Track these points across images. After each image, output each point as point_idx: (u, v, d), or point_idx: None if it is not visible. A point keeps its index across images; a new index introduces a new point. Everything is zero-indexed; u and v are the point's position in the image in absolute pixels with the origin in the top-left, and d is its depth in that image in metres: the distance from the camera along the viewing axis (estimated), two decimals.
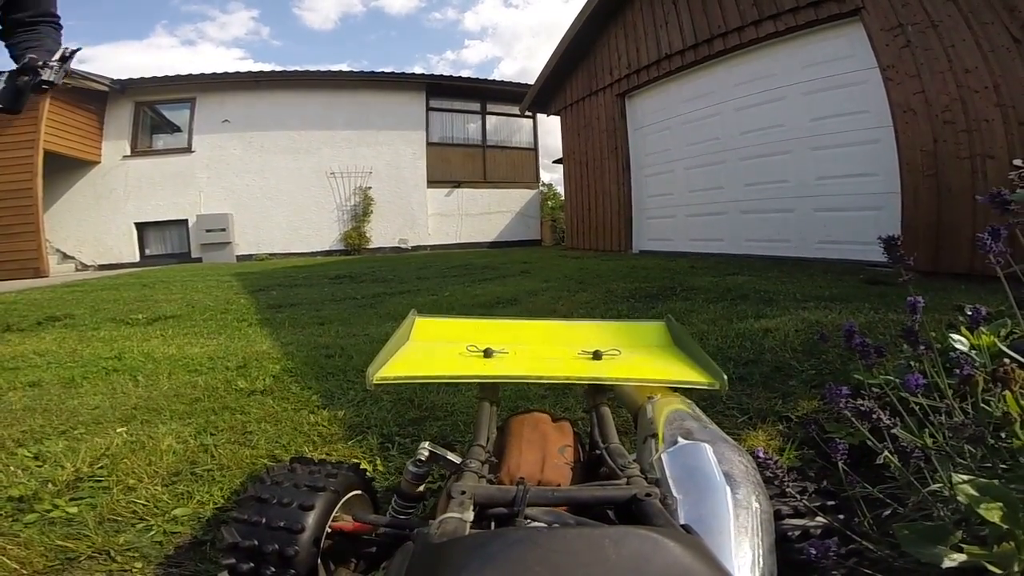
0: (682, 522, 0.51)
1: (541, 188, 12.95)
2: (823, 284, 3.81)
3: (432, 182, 11.50)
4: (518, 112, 10.57)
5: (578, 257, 7.14)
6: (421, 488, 0.83)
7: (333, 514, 0.75)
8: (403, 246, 11.48)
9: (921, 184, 4.32)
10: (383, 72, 11.32)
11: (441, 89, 11.55)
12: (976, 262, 3.94)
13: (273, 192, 10.98)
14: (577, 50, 7.77)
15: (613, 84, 7.25)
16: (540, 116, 11.18)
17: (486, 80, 12.04)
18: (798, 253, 5.34)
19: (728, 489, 0.54)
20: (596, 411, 0.84)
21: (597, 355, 0.90)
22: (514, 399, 1.76)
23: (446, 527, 0.46)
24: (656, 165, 7.06)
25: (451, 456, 0.76)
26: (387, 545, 0.72)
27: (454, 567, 0.34)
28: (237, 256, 10.65)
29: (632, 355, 0.94)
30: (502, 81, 12.21)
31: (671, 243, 6.93)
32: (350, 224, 11.23)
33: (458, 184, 11.77)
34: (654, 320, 1.14)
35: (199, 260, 10.42)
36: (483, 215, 12.03)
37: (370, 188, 11.18)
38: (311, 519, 0.70)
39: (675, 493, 0.56)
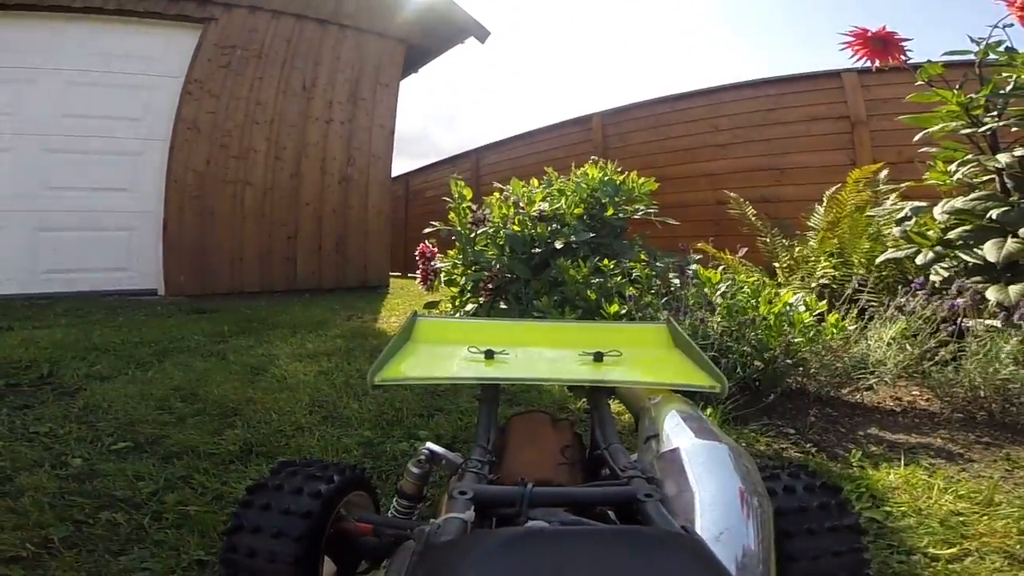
0: (685, 523, 0.50)
1: None
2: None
3: None
4: None
5: None
6: (422, 488, 0.85)
7: (334, 514, 0.76)
8: None
9: (187, 205, 4.46)
10: None
11: None
12: (236, 283, 4.55)
13: None
14: None
15: None
16: None
17: None
18: (9, 290, 4.04)
19: (734, 489, 0.55)
20: (597, 412, 0.86)
21: (599, 357, 0.91)
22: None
23: (448, 527, 0.46)
24: None
25: (452, 456, 0.78)
26: (388, 545, 0.72)
27: (456, 567, 0.34)
28: None
29: (633, 357, 0.96)
30: None
31: None
32: None
33: None
34: (655, 322, 1.17)
35: None
36: None
37: None
38: (313, 519, 0.70)
39: (684, 494, 0.55)
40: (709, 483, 0.55)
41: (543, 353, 1.00)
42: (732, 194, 3.38)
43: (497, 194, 3.29)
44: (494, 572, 0.32)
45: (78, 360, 2.20)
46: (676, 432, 0.66)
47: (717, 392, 0.78)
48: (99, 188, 4.29)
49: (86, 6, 4.00)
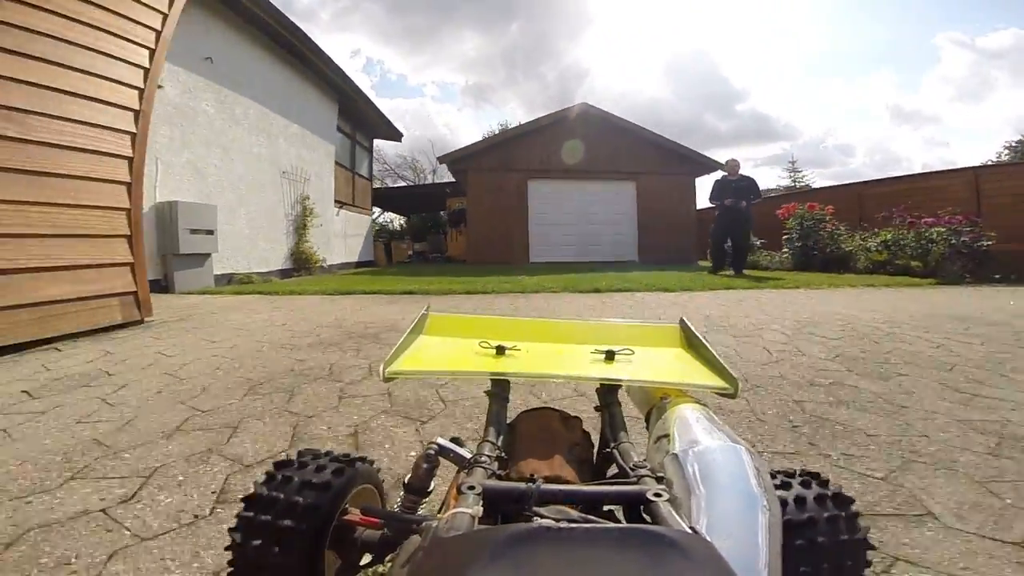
0: (694, 524, 0.51)
1: (372, 215, 13.59)
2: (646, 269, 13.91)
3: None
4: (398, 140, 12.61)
5: (502, 266, 12.95)
6: (429, 482, 0.84)
7: (342, 506, 0.76)
8: (325, 264, 10.35)
9: (647, 235, 14.98)
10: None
11: (350, 108, 11.23)
12: (656, 257, 15.05)
13: (236, 181, 7.53)
14: (498, 141, 13.14)
15: (522, 171, 13.36)
16: (376, 147, 13.21)
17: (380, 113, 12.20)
18: (604, 258, 14.62)
19: (744, 492, 0.55)
20: (607, 410, 0.88)
21: (610, 355, 0.92)
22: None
23: (456, 522, 0.47)
24: (545, 216, 14.03)
25: (461, 451, 0.77)
26: (394, 538, 0.73)
27: (464, 561, 0.35)
28: (215, 275, 7.00)
29: (645, 356, 0.96)
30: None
31: (552, 256, 14.14)
32: (294, 237, 9.14)
33: (342, 205, 11.49)
34: (668, 322, 1.14)
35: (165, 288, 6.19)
36: (352, 236, 12.10)
37: (308, 198, 9.55)
38: (319, 510, 0.72)
39: (694, 494, 0.55)
40: (719, 484, 0.55)
41: (554, 350, 1.01)
42: None
43: None
44: (502, 568, 0.33)
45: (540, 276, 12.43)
46: (687, 432, 0.66)
47: (729, 394, 0.78)
48: (618, 234, 14.80)
49: (597, 177, 14.52)
